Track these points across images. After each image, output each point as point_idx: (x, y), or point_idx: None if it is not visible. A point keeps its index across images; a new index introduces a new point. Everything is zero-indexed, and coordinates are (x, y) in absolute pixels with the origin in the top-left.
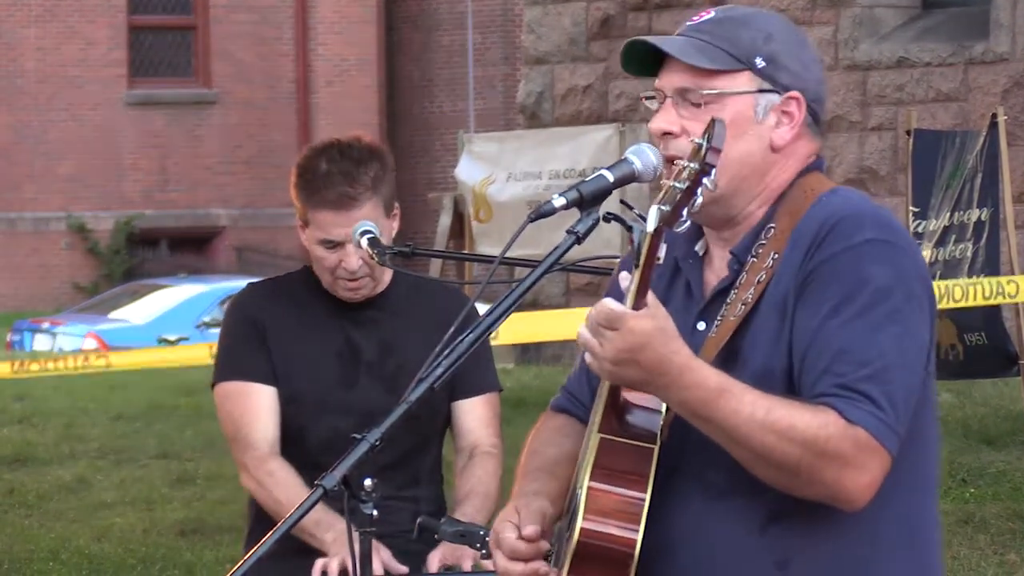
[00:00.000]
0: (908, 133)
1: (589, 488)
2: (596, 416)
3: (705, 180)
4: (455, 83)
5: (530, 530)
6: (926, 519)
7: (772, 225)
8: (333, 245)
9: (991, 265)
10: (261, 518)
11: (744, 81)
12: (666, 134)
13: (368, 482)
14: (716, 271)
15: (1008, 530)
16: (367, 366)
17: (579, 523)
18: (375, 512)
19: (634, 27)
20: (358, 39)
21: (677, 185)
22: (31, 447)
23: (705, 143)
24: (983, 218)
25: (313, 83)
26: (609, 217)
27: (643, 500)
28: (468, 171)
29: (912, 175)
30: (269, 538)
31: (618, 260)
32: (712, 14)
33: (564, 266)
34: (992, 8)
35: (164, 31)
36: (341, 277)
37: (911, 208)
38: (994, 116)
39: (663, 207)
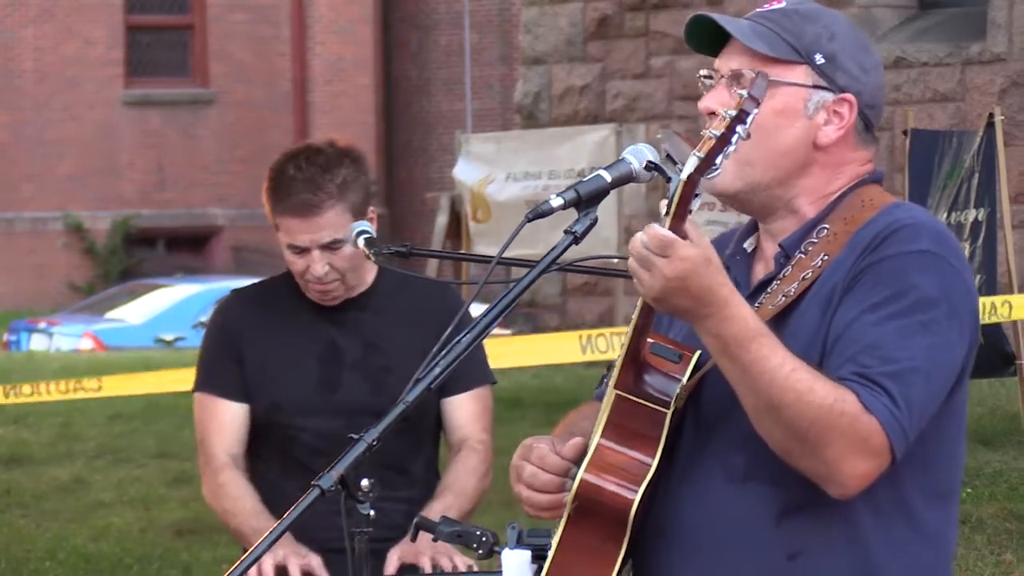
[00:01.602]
0: (905, 133)
1: (598, 444)
2: (615, 371)
3: (739, 128)
4: (452, 83)
5: (572, 442)
6: (944, 527)
7: (825, 226)
8: (299, 251)
9: (988, 265)
10: None
11: (800, 74)
12: (712, 114)
13: (365, 482)
14: (765, 265)
15: (1005, 530)
16: (351, 367)
17: (580, 474)
18: (372, 512)
19: (632, 26)
20: (355, 38)
21: (713, 132)
22: (27, 447)
23: (746, 93)
24: (980, 218)
25: (310, 82)
26: (651, 166)
27: (650, 464)
28: (466, 171)
29: (909, 175)
30: (266, 539)
31: (615, 260)
32: (783, 4)
33: (561, 266)
34: (989, 8)
35: (161, 31)
36: (309, 281)
37: None
38: (991, 116)
39: (698, 154)
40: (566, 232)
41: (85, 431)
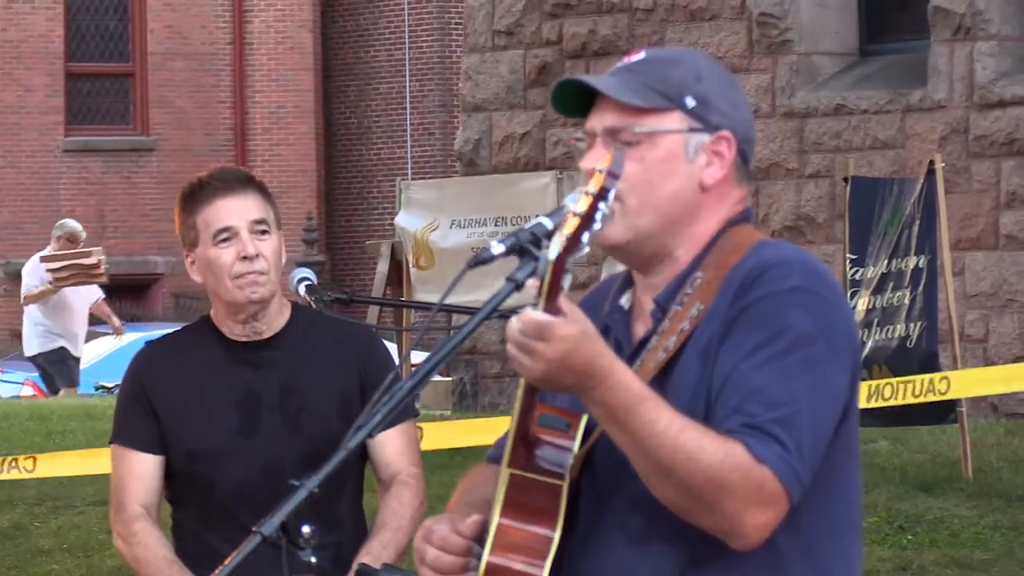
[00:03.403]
0: (845, 180)
1: (499, 524)
2: (506, 450)
3: (601, 204)
4: (393, 130)
5: (471, 520)
6: (848, 565)
7: (698, 274)
8: (228, 237)
9: (929, 312)
10: (190, 564)
11: (675, 120)
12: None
13: (306, 529)
14: (644, 321)
15: None
16: (268, 410)
17: (485, 557)
18: (313, 559)
19: (572, 74)
20: (295, 86)
21: (576, 211)
22: None
23: (604, 169)
24: (920, 265)
25: (250, 130)
26: (518, 250)
27: (552, 537)
28: (408, 218)
29: (849, 222)
30: None
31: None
32: (642, 55)
33: (503, 313)
34: (930, 55)
35: (102, 78)
36: (240, 274)
37: (848, 255)
38: (931, 163)
39: (563, 234)
40: (507, 279)
41: (25, 477)
